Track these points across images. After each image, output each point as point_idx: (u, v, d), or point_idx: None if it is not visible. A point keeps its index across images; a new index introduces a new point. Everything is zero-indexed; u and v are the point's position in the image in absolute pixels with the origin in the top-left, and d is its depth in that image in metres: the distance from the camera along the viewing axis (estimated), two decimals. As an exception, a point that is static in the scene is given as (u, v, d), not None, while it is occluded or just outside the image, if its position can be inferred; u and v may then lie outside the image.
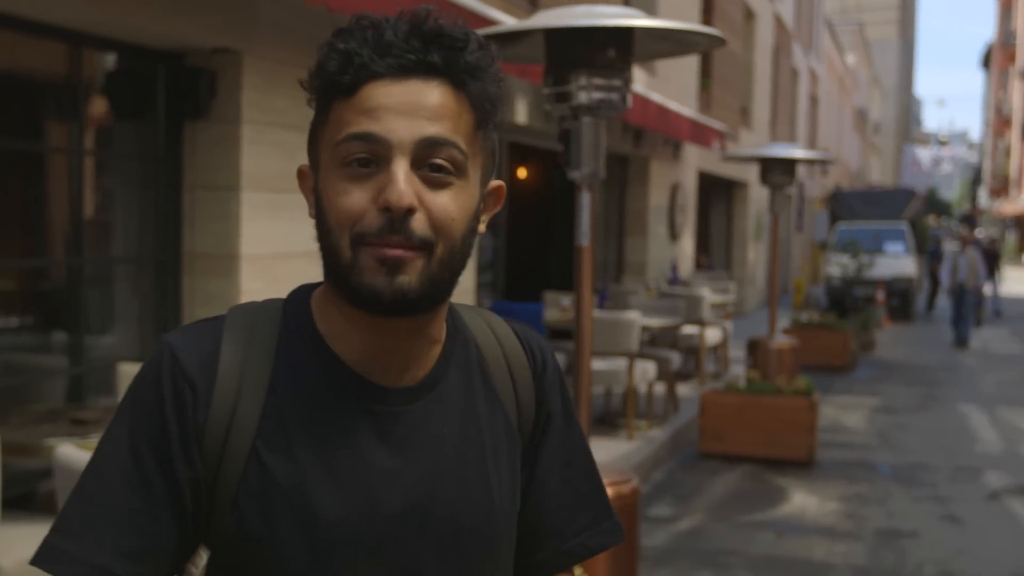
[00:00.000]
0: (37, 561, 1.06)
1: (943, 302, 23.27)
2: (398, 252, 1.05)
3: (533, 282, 11.45)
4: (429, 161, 1.07)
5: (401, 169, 1.05)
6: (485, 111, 1.12)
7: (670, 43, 3.90)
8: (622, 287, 11.55)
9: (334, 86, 1.07)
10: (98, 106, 5.15)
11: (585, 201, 3.77)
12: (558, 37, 3.61)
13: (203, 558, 1.11)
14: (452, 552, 1.14)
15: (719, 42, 3.71)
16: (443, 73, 1.08)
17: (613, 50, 3.59)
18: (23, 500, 3.96)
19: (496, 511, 1.18)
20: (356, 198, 1.05)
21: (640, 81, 11.64)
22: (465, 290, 7.81)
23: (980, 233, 37.13)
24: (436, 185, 1.07)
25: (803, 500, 6.99)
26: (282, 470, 1.08)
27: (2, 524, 3.53)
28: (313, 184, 1.13)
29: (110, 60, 5.11)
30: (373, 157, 1.05)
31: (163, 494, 1.07)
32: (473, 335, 1.24)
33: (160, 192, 5.19)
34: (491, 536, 1.18)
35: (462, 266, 1.12)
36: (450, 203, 1.08)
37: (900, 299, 20.19)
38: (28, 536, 3.62)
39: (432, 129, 1.06)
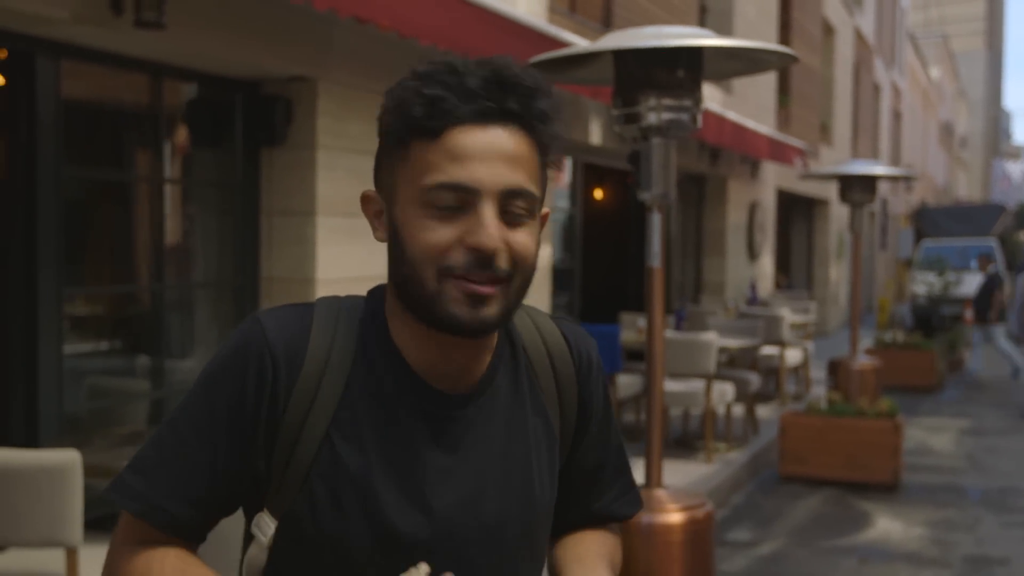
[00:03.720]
0: (109, 490, 1.19)
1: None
2: (486, 289, 1.15)
3: (610, 303, 11.40)
4: (510, 207, 1.17)
5: (489, 214, 1.14)
6: (549, 152, 1.22)
7: (741, 61, 3.86)
8: (700, 307, 11.43)
9: (420, 130, 1.15)
10: (179, 135, 5.29)
11: (656, 222, 3.74)
12: (627, 58, 3.60)
13: (271, 527, 1.20)
14: (497, 543, 1.25)
15: (791, 59, 3.67)
16: (518, 120, 1.17)
17: (682, 70, 3.56)
18: (105, 521, 4.04)
19: (536, 505, 1.29)
20: (443, 235, 1.14)
21: (715, 99, 11.55)
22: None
23: None
24: (515, 225, 1.17)
25: (888, 525, 6.81)
26: (352, 459, 1.18)
27: (85, 545, 3.61)
28: (381, 210, 1.23)
29: (190, 90, 5.24)
30: (460, 202, 1.14)
31: (229, 455, 1.18)
32: (520, 336, 1.33)
33: (238, 218, 5.30)
34: (531, 528, 1.29)
35: (528, 289, 1.23)
36: (527, 240, 1.18)
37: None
38: (109, 556, 3.71)
39: (513, 178, 1.16)
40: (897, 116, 30.66)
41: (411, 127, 1.15)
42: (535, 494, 1.28)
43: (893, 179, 8.94)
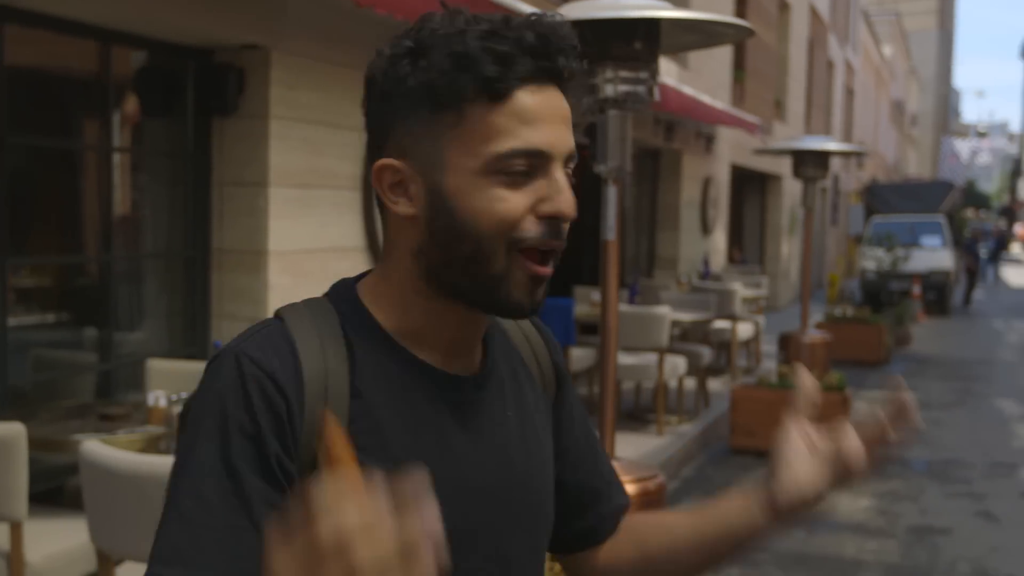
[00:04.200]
0: None
1: (981, 296, 22.99)
2: (548, 271, 1.09)
3: (564, 276, 11.41)
4: (566, 168, 1.10)
5: (563, 178, 1.07)
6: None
7: (698, 35, 3.85)
8: (653, 281, 11.49)
9: (486, 87, 1.04)
10: (128, 103, 5.19)
11: (611, 195, 3.74)
12: (583, 29, 3.57)
13: None
14: (528, 527, 1.19)
15: (748, 33, 3.66)
16: (565, 80, 1.10)
17: (639, 42, 3.55)
18: (51, 495, 3.99)
19: (551, 483, 1.24)
20: (516, 204, 1.06)
21: (672, 74, 11.57)
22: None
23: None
24: None
25: (834, 496, 6.92)
26: (379, 464, 1.02)
27: (30, 519, 3.56)
28: (402, 180, 1.09)
29: (140, 57, 5.13)
30: (531, 169, 1.06)
31: (265, 509, 1.00)
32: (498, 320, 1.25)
33: (189, 188, 5.22)
34: (551, 510, 1.24)
35: None
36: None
37: (936, 293, 19.94)
38: (55, 531, 3.66)
39: (571, 141, 1.10)
40: (850, 93, 30.93)
41: (478, 86, 1.04)
42: (548, 472, 1.24)
43: (845, 155, 9.02)
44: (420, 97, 1.06)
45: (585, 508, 1.32)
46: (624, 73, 3.55)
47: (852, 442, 1.20)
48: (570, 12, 3.58)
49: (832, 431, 1.21)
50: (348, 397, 1.07)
